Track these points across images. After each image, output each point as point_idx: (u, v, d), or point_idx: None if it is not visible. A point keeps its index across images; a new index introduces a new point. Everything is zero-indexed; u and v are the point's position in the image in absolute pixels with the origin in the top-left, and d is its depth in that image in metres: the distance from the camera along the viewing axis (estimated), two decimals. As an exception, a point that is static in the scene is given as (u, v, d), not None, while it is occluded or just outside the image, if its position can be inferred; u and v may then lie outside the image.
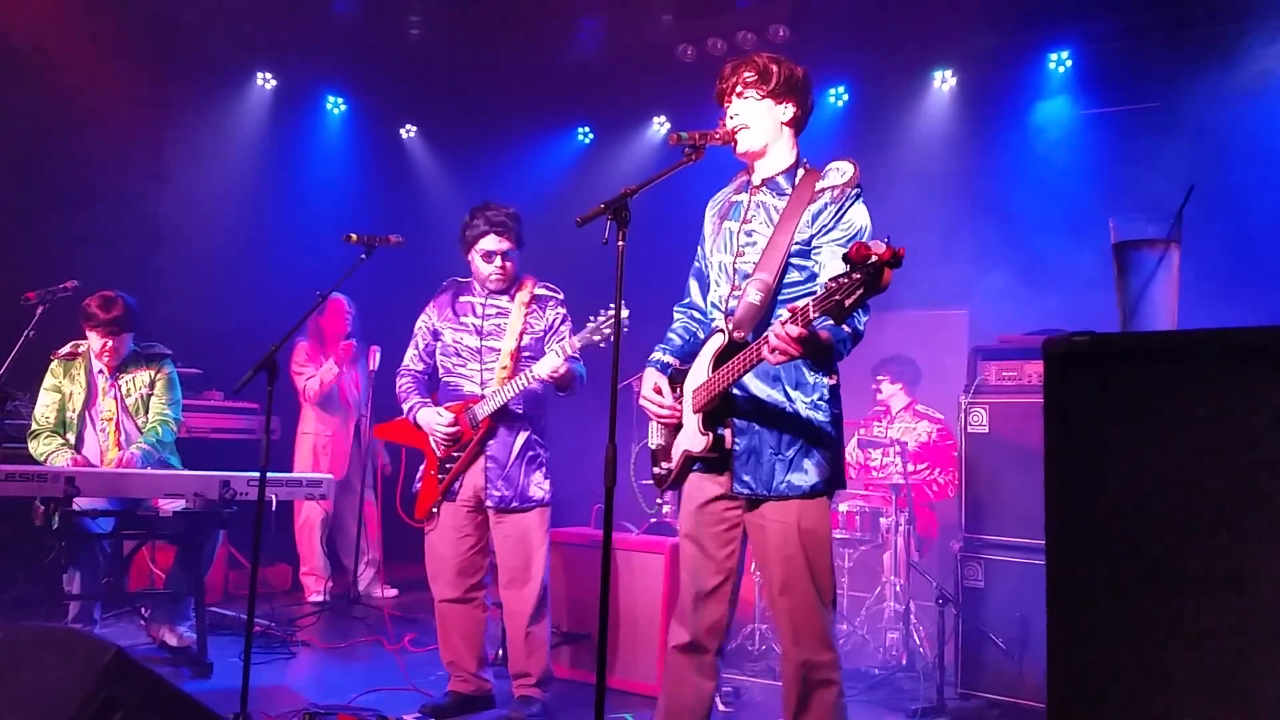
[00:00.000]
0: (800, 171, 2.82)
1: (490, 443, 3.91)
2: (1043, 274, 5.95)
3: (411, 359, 4.16)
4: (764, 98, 2.79)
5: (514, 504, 3.90)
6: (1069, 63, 6.61)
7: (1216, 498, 1.32)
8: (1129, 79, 6.35)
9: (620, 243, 2.47)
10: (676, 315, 3.10)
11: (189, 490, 4.28)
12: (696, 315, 3.04)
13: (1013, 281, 6.05)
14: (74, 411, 4.65)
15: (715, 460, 2.77)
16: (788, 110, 2.81)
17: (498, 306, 4.03)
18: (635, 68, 7.71)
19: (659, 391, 2.85)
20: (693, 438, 2.77)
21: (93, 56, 6.30)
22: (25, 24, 6.01)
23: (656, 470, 2.98)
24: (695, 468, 2.85)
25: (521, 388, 3.81)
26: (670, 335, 3.05)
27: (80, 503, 4.16)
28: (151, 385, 4.80)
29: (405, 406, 4.07)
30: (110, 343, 4.61)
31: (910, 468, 5.36)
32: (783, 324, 2.33)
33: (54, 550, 4.36)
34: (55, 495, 3.99)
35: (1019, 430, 4.36)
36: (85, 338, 4.67)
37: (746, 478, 2.70)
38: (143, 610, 4.80)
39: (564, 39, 7.54)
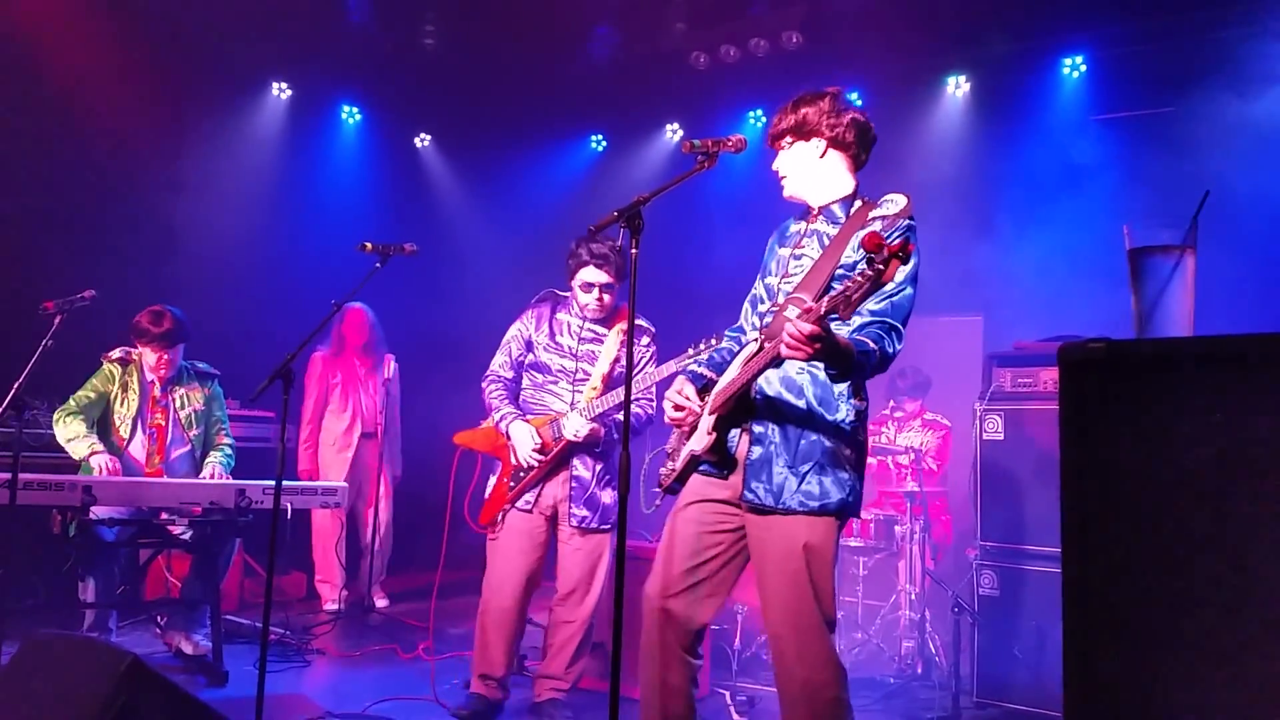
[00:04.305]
0: (857, 203, 2.83)
1: (576, 463, 3.99)
2: (1058, 280, 5.92)
3: (501, 366, 4.17)
4: (794, 142, 2.84)
5: (593, 524, 4.00)
6: (1083, 68, 6.59)
7: (1234, 504, 1.31)
8: (1143, 84, 6.33)
9: (634, 250, 2.48)
10: (725, 338, 3.12)
11: (205, 499, 4.30)
12: (743, 339, 3.04)
13: (1028, 287, 6.03)
14: (126, 416, 4.71)
15: (719, 464, 2.77)
16: (818, 145, 2.82)
17: (594, 332, 4.08)
18: (648, 75, 7.73)
19: (682, 397, 2.87)
20: (699, 437, 2.78)
21: (108, 67, 6.34)
22: (41, 35, 6.06)
23: (662, 469, 2.99)
24: (701, 469, 2.84)
25: (578, 433, 3.89)
26: (712, 353, 3.07)
27: (97, 511, 4.19)
28: (205, 404, 4.91)
29: (496, 414, 4.07)
30: (165, 355, 4.71)
31: (925, 465, 5.35)
32: (793, 320, 2.33)
33: (70, 559, 4.39)
34: (73, 504, 4.01)
35: (1035, 437, 4.34)
36: (134, 348, 4.77)
37: (756, 486, 2.68)
38: (158, 619, 4.82)
39: (577, 47, 7.56)
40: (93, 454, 4.48)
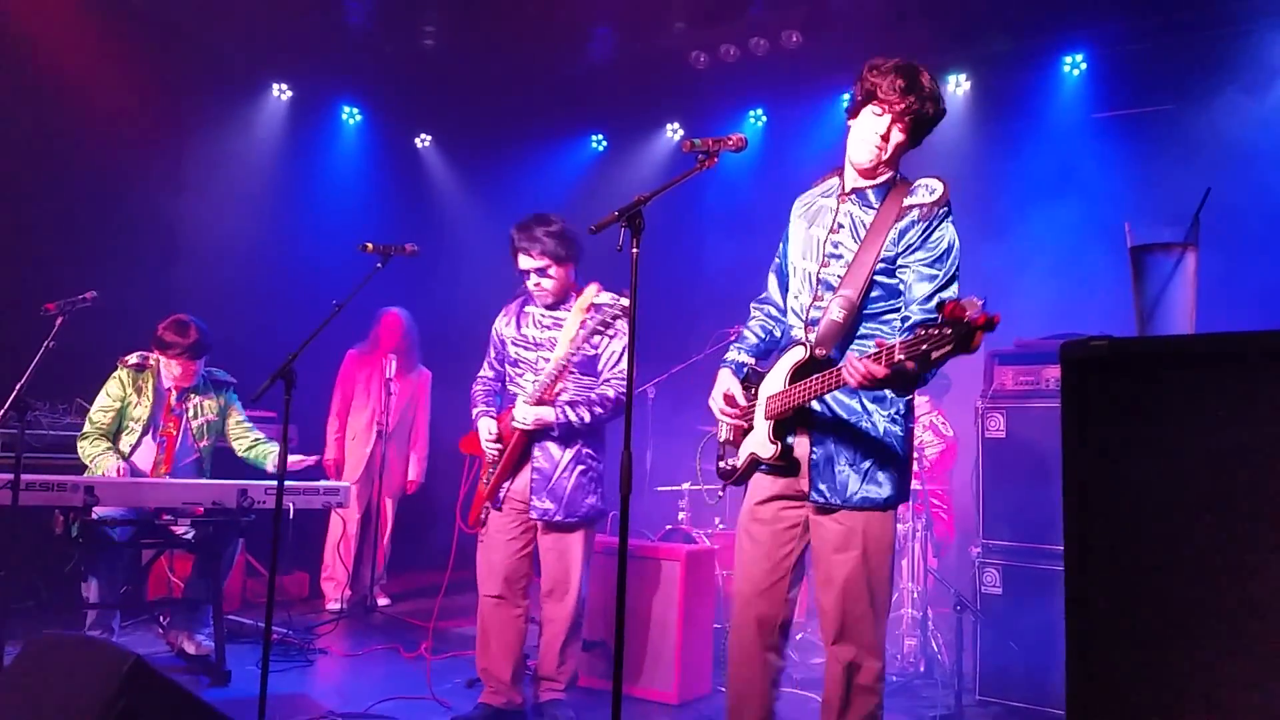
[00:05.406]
0: (890, 186, 2.80)
1: (537, 453, 3.91)
2: (1059, 278, 5.92)
3: (485, 367, 4.20)
4: (912, 134, 2.78)
5: (557, 518, 3.89)
6: (1083, 65, 6.58)
7: (1237, 502, 1.31)
8: (1144, 82, 6.32)
9: (634, 250, 2.48)
10: (753, 311, 3.11)
11: (207, 499, 4.30)
12: (773, 311, 3.05)
13: (1029, 285, 6.02)
14: (137, 421, 4.72)
15: (785, 469, 2.80)
16: (915, 139, 2.81)
17: (554, 318, 4.01)
18: (648, 75, 7.72)
19: (730, 400, 2.89)
20: (762, 444, 2.80)
21: (109, 69, 6.35)
22: (42, 37, 6.07)
23: (721, 464, 3.02)
24: (761, 469, 2.87)
25: (525, 420, 3.84)
26: (746, 333, 3.06)
27: (99, 512, 4.19)
28: (218, 414, 4.91)
29: (474, 414, 4.10)
30: (193, 366, 4.73)
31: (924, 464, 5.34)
32: (863, 360, 2.37)
33: (73, 559, 4.39)
34: (75, 505, 4.02)
35: (1037, 435, 4.34)
36: (152, 353, 4.76)
37: (822, 486, 2.71)
38: (161, 619, 4.83)
39: (577, 47, 7.55)
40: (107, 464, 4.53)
